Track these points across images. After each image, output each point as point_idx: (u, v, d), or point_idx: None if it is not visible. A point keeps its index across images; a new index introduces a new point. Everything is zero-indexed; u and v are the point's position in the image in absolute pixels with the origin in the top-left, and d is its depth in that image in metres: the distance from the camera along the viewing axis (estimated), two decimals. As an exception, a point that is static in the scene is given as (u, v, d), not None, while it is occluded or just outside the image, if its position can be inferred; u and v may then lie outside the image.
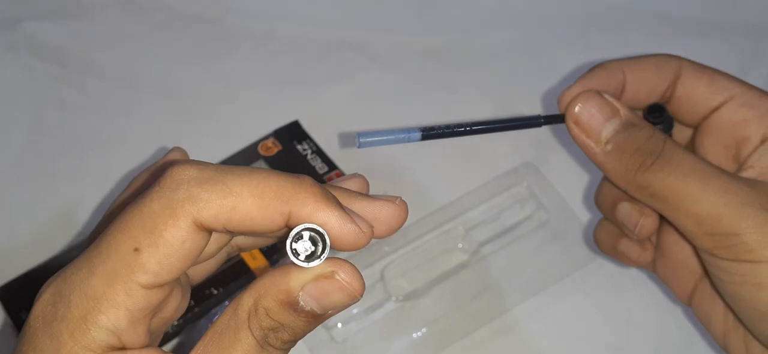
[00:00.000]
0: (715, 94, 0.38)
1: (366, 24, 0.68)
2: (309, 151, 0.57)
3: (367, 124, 0.61)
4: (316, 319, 0.29)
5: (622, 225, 0.41)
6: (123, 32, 0.68)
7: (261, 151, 0.57)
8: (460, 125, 0.36)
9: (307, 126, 0.59)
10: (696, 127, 0.40)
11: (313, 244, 0.29)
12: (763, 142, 0.36)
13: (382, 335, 0.49)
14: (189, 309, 0.47)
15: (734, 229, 0.33)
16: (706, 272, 0.38)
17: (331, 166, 0.56)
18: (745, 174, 0.36)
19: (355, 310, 0.49)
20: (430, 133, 0.36)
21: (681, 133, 0.41)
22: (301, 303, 0.29)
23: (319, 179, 0.54)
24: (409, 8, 0.70)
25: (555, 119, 0.38)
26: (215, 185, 0.28)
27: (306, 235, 0.29)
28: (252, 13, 0.69)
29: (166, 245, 0.28)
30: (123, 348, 0.28)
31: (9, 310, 0.48)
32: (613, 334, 0.50)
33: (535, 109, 0.63)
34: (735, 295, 0.35)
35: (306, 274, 0.29)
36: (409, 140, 0.35)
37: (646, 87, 0.39)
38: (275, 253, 0.50)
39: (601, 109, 0.36)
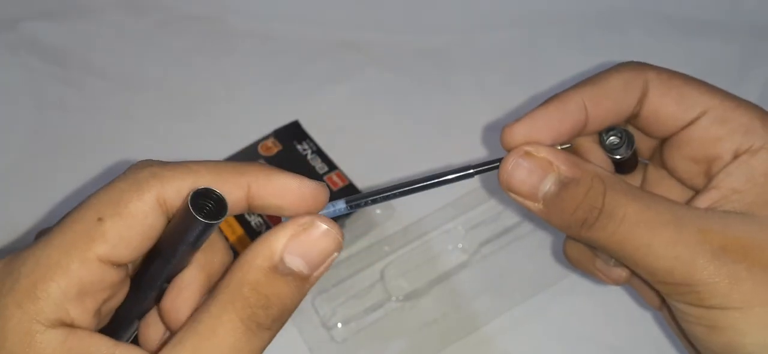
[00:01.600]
0: (686, 111, 0.34)
1: (366, 24, 0.68)
2: (309, 151, 0.57)
3: (367, 123, 0.61)
4: (303, 282, 0.29)
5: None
6: (123, 32, 0.68)
7: (261, 151, 0.57)
8: (384, 190, 0.34)
9: (307, 126, 0.59)
10: (664, 139, 0.37)
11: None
12: (735, 157, 0.34)
13: (382, 335, 0.49)
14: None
15: (686, 280, 0.31)
16: None
17: (331, 166, 0.56)
18: (707, 195, 0.34)
19: (355, 310, 0.49)
20: (354, 202, 0.33)
21: (648, 140, 0.39)
22: (287, 263, 0.28)
23: (320, 178, 0.54)
24: (408, 8, 0.70)
25: (488, 167, 0.34)
26: (177, 165, 0.30)
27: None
28: (252, 13, 0.69)
29: (129, 217, 0.28)
30: (72, 324, 0.28)
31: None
32: (613, 334, 0.50)
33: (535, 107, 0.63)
34: (690, 333, 0.34)
35: (285, 231, 0.29)
36: (337, 213, 0.32)
37: (610, 113, 0.35)
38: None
39: (531, 171, 0.33)
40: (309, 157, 0.57)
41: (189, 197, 0.27)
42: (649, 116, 0.35)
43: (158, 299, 0.32)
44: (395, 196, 0.33)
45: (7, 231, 0.54)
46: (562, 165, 0.32)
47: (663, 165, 0.38)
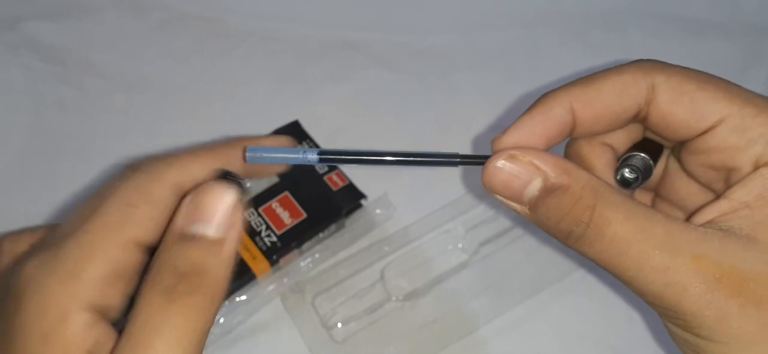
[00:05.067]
0: (699, 120, 0.31)
1: (366, 24, 0.68)
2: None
3: (367, 123, 0.61)
4: (214, 244, 0.29)
5: None
6: (123, 32, 0.68)
7: (261, 151, 0.57)
8: (362, 152, 0.32)
9: (307, 126, 0.59)
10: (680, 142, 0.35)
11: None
12: (755, 168, 0.31)
13: (382, 335, 0.49)
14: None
15: (675, 308, 0.30)
16: None
17: (331, 166, 0.56)
18: (716, 205, 0.31)
19: (355, 310, 0.49)
20: (327, 155, 0.32)
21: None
22: (189, 229, 0.29)
23: (319, 178, 0.54)
24: (408, 8, 0.70)
25: (475, 161, 0.32)
26: (183, 154, 0.32)
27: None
28: (252, 13, 0.69)
29: (155, 202, 0.30)
30: (106, 308, 0.29)
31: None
32: (613, 334, 0.50)
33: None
34: (679, 347, 0.33)
35: (183, 202, 0.30)
36: (306, 162, 0.32)
37: (602, 118, 0.33)
38: (275, 253, 0.50)
39: (515, 175, 0.31)
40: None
41: (219, 176, 0.31)
42: (658, 122, 0.33)
43: None
44: (372, 162, 0.32)
45: (7, 231, 0.54)
46: (550, 170, 0.31)
47: (681, 166, 0.36)
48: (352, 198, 0.54)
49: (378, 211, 0.54)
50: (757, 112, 0.31)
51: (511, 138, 0.32)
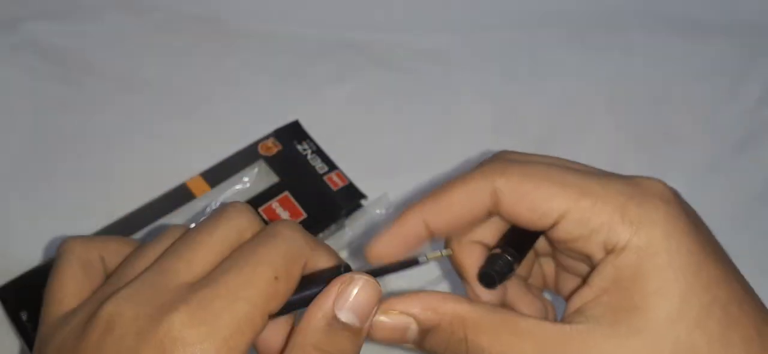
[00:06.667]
0: (542, 217, 0.33)
1: (366, 24, 0.68)
2: (309, 151, 0.57)
3: (367, 123, 0.61)
4: (356, 334, 0.31)
5: None
6: (123, 32, 0.68)
7: (261, 151, 0.57)
8: None
9: (307, 126, 0.59)
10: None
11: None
12: (607, 252, 0.32)
13: (382, 335, 0.49)
14: None
15: None
16: None
17: (331, 166, 0.56)
18: (581, 294, 0.32)
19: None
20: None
21: None
22: (340, 317, 0.30)
23: (319, 178, 0.55)
24: (408, 8, 0.70)
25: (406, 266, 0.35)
26: (320, 244, 0.34)
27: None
28: (252, 13, 0.69)
29: (293, 279, 0.31)
30: None
31: (9, 310, 0.48)
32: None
33: (535, 108, 0.63)
34: None
35: (332, 290, 0.31)
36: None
37: (453, 227, 0.35)
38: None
39: (393, 329, 0.33)
40: (309, 157, 0.56)
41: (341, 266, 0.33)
42: (511, 219, 0.34)
43: None
44: None
45: (7, 231, 0.54)
46: (419, 313, 0.32)
47: (552, 256, 0.39)
48: (352, 198, 0.54)
49: (378, 211, 0.54)
50: (592, 203, 0.32)
51: (375, 250, 0.35)
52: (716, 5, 0.69)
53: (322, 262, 0.33)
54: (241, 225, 0.32)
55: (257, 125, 0.59)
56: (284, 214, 0.52)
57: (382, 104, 0.63)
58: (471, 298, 0.36)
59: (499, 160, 0.35)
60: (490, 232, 0.36)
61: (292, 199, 0.53)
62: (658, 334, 0.30)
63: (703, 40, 0.67)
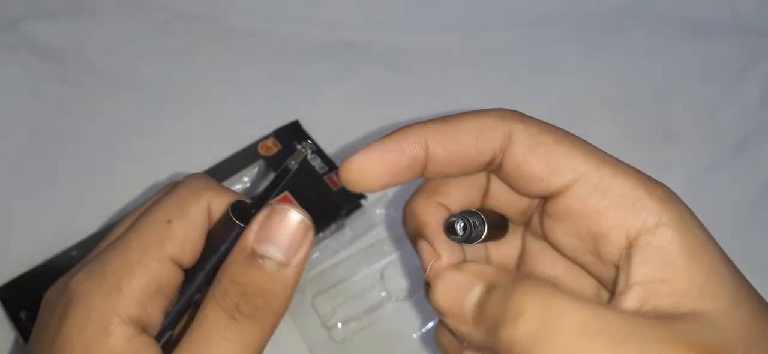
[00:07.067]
0: (555, 173, 0.29)
1: (366, 24, 0.68)
2: (309, 151, 0.57)
3: (367, 123, 0.61)
4: (281, 267, 0.30)
5: None
6: (123, 32, 0.68)
7: (261, 151, 0.57)
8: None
9: (307, 126, 0.59)
10: (544, 198, 0.32)
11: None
12: (630, 245, 0.28)
13: (382, 335, 0.49)
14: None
15: None
16: None
17: (331, 165, 0.56)
18: (631, 294, 0.28)
19: (355, 310, 0.49)
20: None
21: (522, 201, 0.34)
22: (259, 250, 0.30)
23: (319, 178, 0.55)
24: (408, 8, 0.70)
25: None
26: (220, 184, 0.34)
27: None
28: (252, 13, 0.69)
29: (191, 220, 0.31)
30: (146, 323, 0.30)
31: (9, 310, 0.48)
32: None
33: (535, 107, 0.63)
34: None
35: (255, 222, 0.30)
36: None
37: (455, 159, 0.31)
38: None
39: (454, 287, 0.30)
40: (309, 156, 0.56)
41: (230, 206, 0.32)
42: (512, 171, 0.31)
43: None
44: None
45: (7, 231, 0.54)
46: (499, 275, 0.29)
47: (543, 237, 0.33)
48: (352, 198, 0.54)
49: (378, 211, 0.54)
50: (614, 172, 0.29)
51: (357, 162, 0.30)
52: (716, 5, 0.69)
53: (226, 202, 0.33)
54: (182, 193, 0.33)
55: (257, 125, 0.59)
56: (284, 214, 0.52)
57: (382, 104, 0.63)
58: (425, 259, 0.33)
59: (513, 110, 0.31)
60: (456, 202, 0.34)
61: (292, 199, 0.53)
62: (730, 316, 0.26)
63: (703, 40, 0.67)
